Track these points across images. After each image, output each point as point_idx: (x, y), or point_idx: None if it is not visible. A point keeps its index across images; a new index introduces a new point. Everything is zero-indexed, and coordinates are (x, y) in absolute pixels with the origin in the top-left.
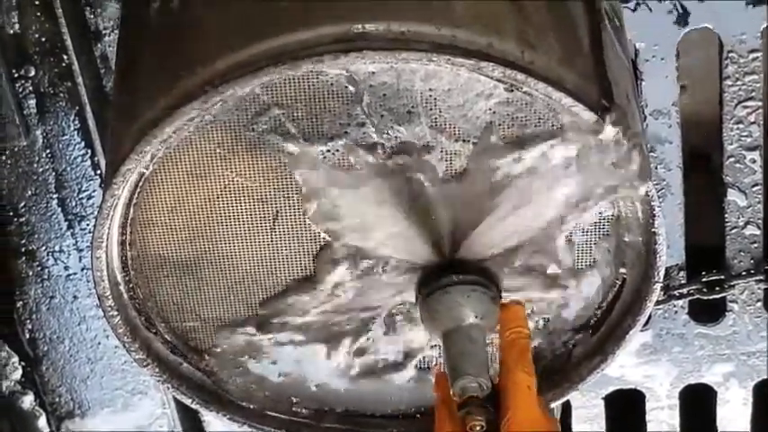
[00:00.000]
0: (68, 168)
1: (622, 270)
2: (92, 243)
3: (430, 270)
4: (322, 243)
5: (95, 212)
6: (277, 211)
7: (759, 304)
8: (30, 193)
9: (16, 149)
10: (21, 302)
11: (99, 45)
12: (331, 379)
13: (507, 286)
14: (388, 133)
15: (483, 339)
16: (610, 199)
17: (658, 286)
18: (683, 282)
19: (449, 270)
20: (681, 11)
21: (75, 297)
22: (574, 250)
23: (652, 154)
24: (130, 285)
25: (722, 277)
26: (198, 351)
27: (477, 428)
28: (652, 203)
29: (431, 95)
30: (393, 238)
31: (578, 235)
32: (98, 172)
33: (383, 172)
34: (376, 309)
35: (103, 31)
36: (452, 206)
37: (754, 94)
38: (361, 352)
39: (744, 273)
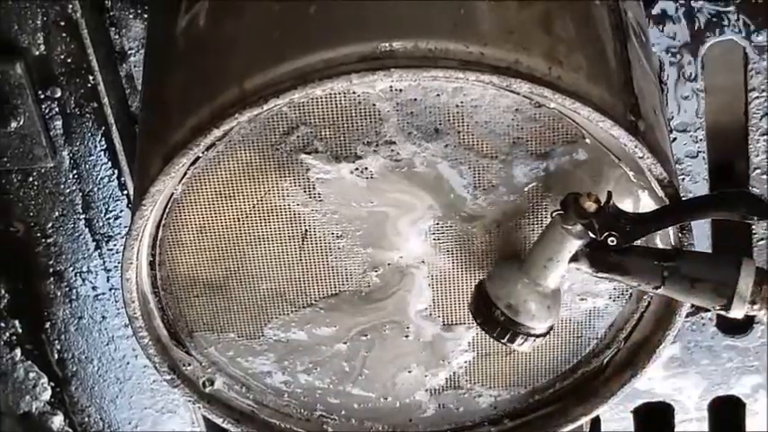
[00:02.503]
0: (95, 189)
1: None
2: (121, 264)
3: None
4: (351, 260)
5: (123, 233)
6: (306, 230)
7: None
8: (57, 213)
9: (43, 170)
10: (49, 323)
11: (124, 65)
12: None
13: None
14: (416, 151)
15: None
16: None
17: None
18: None
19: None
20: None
21: (103, 317)
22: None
23: (678, 166)
24: (160, 306)
25: None
26: (228, 370)
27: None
28: None
29: (458, 112)
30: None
31: None
32: (125, 192)
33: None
34: None
35: (129, 51)
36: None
37: None
38: None
39: None
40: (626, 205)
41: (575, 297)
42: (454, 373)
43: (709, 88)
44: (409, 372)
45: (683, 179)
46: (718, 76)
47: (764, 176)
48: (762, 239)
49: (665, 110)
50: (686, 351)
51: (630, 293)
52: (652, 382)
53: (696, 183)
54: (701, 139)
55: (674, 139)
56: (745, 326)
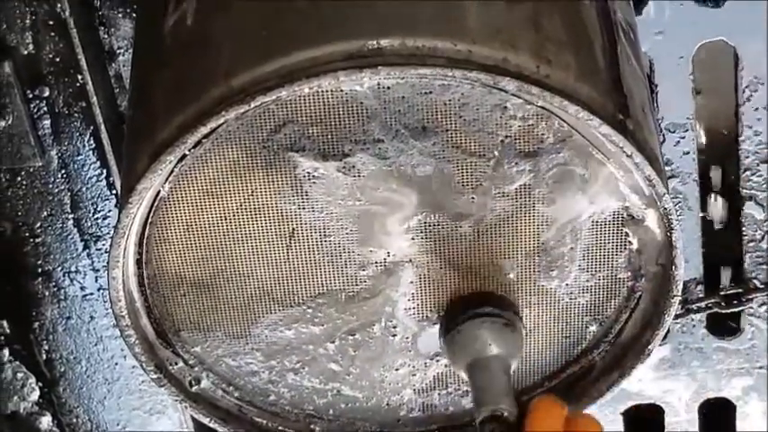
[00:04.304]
0: (84, 188)
1: (640, 283)
2: (108, 262)
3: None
4: (339, 259)
5: (111, 232)
6: (293, 229)
7: None
8: (45, 213)
9: (31, 170)
10: (37, 323)
11: (113, 64)
12: None
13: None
14: (404, 149)
15: (503, 368)
16: (627, 213)
17: (677, 299)
18: (700, 295)
19: (462, 304)
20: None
21: (91, 317)
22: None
23: (668, 167)
24: (147, 304)
25: (740, 291)
26: (215, 369)
27: None
28: (669, 217)
29: (446, 110)
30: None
31: (593, 249)
32: (114, 192)
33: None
34: None
35: (117, 51)
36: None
37: None
38: None
39: (762, 286)
40: (613, 205)
41: (563, 296)
42: (442, 372)
43: (699, 89)
44: (397, 371)
45: (673, 180)
46: (708, 77)
47: (755, 178)
48: (751, 241)
49: (654, 110)
50: (676, 353)
51: (619, 293)
52: (642, 384)
53: (686, 184)
54: (691, 140)
55: (664, 139)
56: (735, 328)
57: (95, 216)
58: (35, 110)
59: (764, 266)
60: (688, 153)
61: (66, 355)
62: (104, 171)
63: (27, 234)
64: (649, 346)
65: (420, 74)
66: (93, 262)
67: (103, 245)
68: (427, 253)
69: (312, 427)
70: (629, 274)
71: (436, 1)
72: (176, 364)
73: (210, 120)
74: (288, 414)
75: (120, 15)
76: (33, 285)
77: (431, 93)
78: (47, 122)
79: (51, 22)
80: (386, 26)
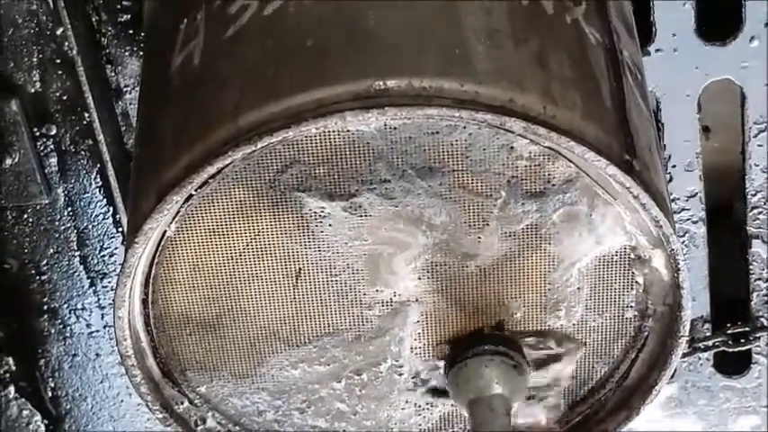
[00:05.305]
0: (90, 226)
1: (647, 323)
2: (114, 302)
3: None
4: (345, 298)
5: (117, 270)
6: (300, 269)
7: None
8: (52, 250)
9: (38, 207)
10: (43, 360)
11: (120, 102)
12: None
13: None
14: (410, 189)
15: (505, 408)
16: (634, 253)
17: (684, 340)
18: (707, 334)
19: (470, 341)
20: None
21: (97, 355)
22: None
23: (674, 205)
24: (153, 344)
25: (747, 329)
26: (220, 408)
27: None
28: (677, 257)
29: (453, 150)
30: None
31: (600, 289)
32: (120, 229)
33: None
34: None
35: (124, 89)
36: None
37: None
38: None
39: None
40: (620, 245)
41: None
42: (448, 412)
43: (705, 127)
44: (403, 410)
45: (680, 219)
46: (715, 115)
47: (762, 216)
48: (758, 279)
49: (660, 148)
50: (683, 391)
51: (626, 333)
52: (649, 424)
53: (694, 223)
54: (698, 179)
55: (671, 179)
56: (742, 366)
57: (102, 253)
58: (42, 148)
59: None
60: (695, 191)
61: (71, 392)
62: (111, 209)
63: (33, 271)
64: (656, 387)
65: (427, 114)
66: (99, 299)
67: (109, 282)
68: (434, 292)
69: None
70: (636, 313)
71: (442, 41)
72: (182, 403)
73: (217, 160)
74: None
75: (126, 54)
76: (39, 322)
77: (437, 133)
78: (53, 160)
79: (58, 61)
80: (392, 67)
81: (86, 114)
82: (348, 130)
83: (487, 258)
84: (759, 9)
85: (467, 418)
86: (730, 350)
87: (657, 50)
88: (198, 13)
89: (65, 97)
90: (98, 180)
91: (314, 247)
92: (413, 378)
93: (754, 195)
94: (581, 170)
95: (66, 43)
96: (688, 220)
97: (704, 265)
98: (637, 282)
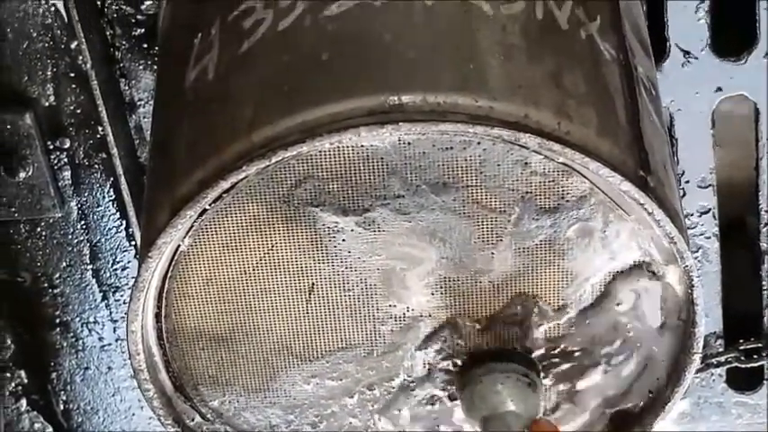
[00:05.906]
0: (103, 239)
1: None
2: (127, 316)
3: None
4: (358, 313)
5: (130, 283)
6: (313, 284)
7: None
8: (64, 264)
9: (51, 221)
10: (55, 374)
11: (134, 116)
12: None
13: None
14: (424, 204)
15: (518, 425)
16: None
17: (697, 357)
18: (720, 350)
19: (484, 357)
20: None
21: (109, 368)
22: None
23: (688, 221)
24: (166, 358)
25: (760, 345)
26: (233, 423)
27: None
28: (690, 273)
29: (467, 166)
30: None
31: (614, 305)
32: (133, 243)
33: None
34: None
35: (138, 103)
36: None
37: None
38: None
39: None
40: (634, 261)
41: None
42: (461, 428)
43: (719, 143)
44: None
45: (693, 235)
46: (728, 131)
47: None
48: None
49: (674, 165)
50: (696, 407)
51: (638, 352)
52: None
53: (707, 238)
54: (711, 195)
55: (684, 194)
56: (755, 382)
57: (114, 267)
58: (55, 161)
59: None
60: (708, 207)
61: (83, 405)
62: (124, 222)
63: (46, 284)
64: (669, 403)
65: (441, 130)
66: (111, 313)
67: (122, 296)
68: (447, 308)
69: None
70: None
71: (457, 57)
72: (194, 418)
73: (231, 175)
74: None
75: (141, 67)
76: (51, 336)
77: (451, 149)
78: (67, 174)
79: (72, 74)
80: (407, 82)
81: (100, 128)
82: (362, 146)
83: (501, 274)
84: None
85: None
86: (743, 366)
87: (671, 66)
88: (212, 27)
89: (79, 111)
90: (111, 194)
91: (327, 261)
92: (425, 393)
93: None
94: (595, 186)
95: (81, 57)
96: (701, 235)
97: (717, 280)
98: None
